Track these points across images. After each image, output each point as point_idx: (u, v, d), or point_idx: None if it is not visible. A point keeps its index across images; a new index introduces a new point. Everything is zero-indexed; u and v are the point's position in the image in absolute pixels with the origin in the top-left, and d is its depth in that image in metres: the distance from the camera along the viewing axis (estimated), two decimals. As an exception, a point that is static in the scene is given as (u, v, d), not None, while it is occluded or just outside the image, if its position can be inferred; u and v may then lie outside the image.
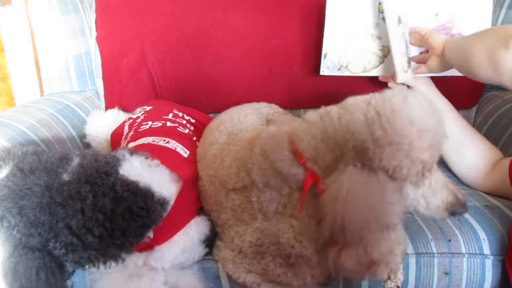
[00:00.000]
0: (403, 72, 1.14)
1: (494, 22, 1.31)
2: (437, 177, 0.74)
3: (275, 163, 0.77)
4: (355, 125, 0.68)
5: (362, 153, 0.67)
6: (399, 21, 1.10)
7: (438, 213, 0.74)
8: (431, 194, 0.73)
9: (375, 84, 1.22)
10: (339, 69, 1.21)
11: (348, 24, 1.16)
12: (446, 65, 1.02)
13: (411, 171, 0.67)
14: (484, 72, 0.83)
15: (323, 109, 0.76)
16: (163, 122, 1.09)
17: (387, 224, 0.69)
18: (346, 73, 1.21)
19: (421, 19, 1.13)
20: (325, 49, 1.19)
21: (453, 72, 1.15)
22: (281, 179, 0.78)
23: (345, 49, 1.18)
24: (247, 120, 1.05)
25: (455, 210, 0.73)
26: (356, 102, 0.71)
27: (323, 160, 0.72)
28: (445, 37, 1.01)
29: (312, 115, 0.77)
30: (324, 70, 1.21)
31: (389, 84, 1.17)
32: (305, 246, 0.80)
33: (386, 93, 0.71)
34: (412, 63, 1.13)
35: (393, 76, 1.16)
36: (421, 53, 1.14)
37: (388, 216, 0.68)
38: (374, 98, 0.70)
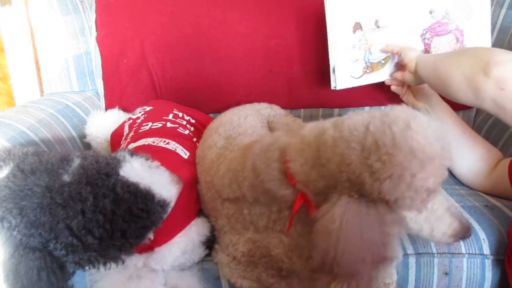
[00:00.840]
0: (349, 77, 1.15)
1: (494, 22, 1.31)
2: (440, 201, 0.70)
3: (264, 182, 0.75)
4: (350, 157, 0.63)
5: (359, 185, 0.63)
6: (358, 27, 1.12)
7: (444, 239, 0.71)
8: (434, 219, 0.70)
9: (376, 84, 1.22)
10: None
11: (348, 37, 1.14)
12: (420, 81, 1.02)
13: (415, 200, 0.64)
14: (464, 96, 0.81)
15: (321, 124, 0.71)
16: (163, 122, 1.09)
17: (385, 257, 0.65)
18: (358, 85, 1.19)
19: (415, 18, 1.12)
20: (332, 62, 1.16)
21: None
22: (271, 197, 0.76)
23: (351, 61, 1.17)
24: (247, 122, 1.04)
25: (462, 237, 0.71)
26: (353, 126, 0.65)
27: (315, 186, 0.69)
28: (417, 54, 1.02)
29: (309, 130, 0.72)
30: (337, 86, 1.18)
31: (392, 88, 1.17)
32: (294, 262, 0.78)
33: (387, 115, 0.64)
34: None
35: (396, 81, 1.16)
36: None
37: (386, 250, 0.64)
38: (373, 122, 0.64)
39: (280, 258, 0.79)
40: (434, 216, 0.70)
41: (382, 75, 1.17)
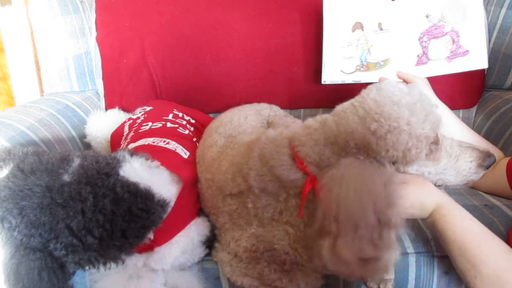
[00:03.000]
0: (339, 72, 1.18)
1: (494, 22, 1.31)
2: (450, 143, 0.75)
3: (274, 168, 0.77)
4: (351, 126, 0.70)
5: (365, 147, 0.69)
6: (359, 27, 1.14)
7: (472, 173, 0.75)
8: (454, 161, 0.74)
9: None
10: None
11: (345, 35, 1.17)
12: None
13: (420, 150, 0.68)
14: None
15: (320, 117, 0.78)
16: (163, 122, 1.09)
17: (389, 221, 0.64)
18: (348, 81, 1.21)
19: (412, 22, 1.14)
20: (324, 58, 1.19)
21: (453, 71, 1.16)
22: (279, 185, 0.78)
23: (344, 58, 1.19)
24: (247, 122, 1.04)
25: (488, 162, 0.75)
26: (344, 108, 0.74)
27: (327, 163, 0.73)
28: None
29: (310, 121, 0.78)
30: (326, 80, 1.21)
31: None
32: (300, 253, 0.80)
33: (363, 92, 0.74)
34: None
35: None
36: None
37: (390, 210, 0.65)
38: (356, 100, 0.74)
39: (285, 250, 0.80)
40: (452, 158, 0.74)
41: (377, 76, 1.18)
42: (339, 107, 0.76)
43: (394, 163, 0.71)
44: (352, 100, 0.75)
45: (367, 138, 0.68)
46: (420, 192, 0.75)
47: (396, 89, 0.71)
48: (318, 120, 0.77)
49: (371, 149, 0.69)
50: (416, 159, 0.70)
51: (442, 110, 1.09)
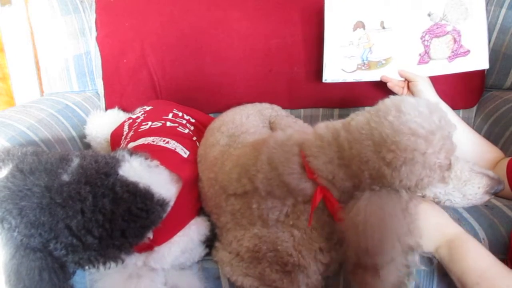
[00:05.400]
0: (340, 70, 1.19)
1: (494, 22, 1.31)
2: (461, 166, 0.74)
3: (283, 175, 0.77)
4: (366, 154, 0.69)
5: (380, 178, 0.69)
6: (360, 26, 1.15)
7: (478, 199, 0.75)
8: (462, 185, 0.74)
9: (376, 84, 1.22)
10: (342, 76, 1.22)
11: (346, 34, 1.17)
12: None
13: (432, 178, 0.68)
14: None
15: (332, 126, 0.76)
16: (163, 122, 1.09)
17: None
18: (349, 79, 1.21)
19: (415, 21, 1.15)
20: (325, 58, 1.19)
21: (454, 71, 1.16)
22: (287, 190, 0.78)
23: (345, 57, 1.19)
24: (249, 122, 1.04)
25: (496, 190, 0.75)
26: (359, 125, 0.71)
27: (342, 185, 0.73)
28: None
29: (322, 129, 0.77)
30: (327, 79, 1.21)
31: (388, 85, 1.18)
32: (303, 255, 0.79)
33: (381, 109, 0.71)
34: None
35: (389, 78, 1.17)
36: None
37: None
38: (372, 118, 0.70)
39: (288, 252, 0.80)
40: (461, 181, 0.74)
41: (378, 75, 1.18)
42: (353, 121, 0.73)
43: (407, 189, 0.70)
44: (367, 116, 0.71)
45: (382, 169, 0.67)
46: (438, 222, 0.76)
47: (415, 113, 0.68)
48: (330, 130, 0.75)
49: (386, 180, 0.68)
50: (427, 186, 0.70)
51: (443, 108, 1.10)
